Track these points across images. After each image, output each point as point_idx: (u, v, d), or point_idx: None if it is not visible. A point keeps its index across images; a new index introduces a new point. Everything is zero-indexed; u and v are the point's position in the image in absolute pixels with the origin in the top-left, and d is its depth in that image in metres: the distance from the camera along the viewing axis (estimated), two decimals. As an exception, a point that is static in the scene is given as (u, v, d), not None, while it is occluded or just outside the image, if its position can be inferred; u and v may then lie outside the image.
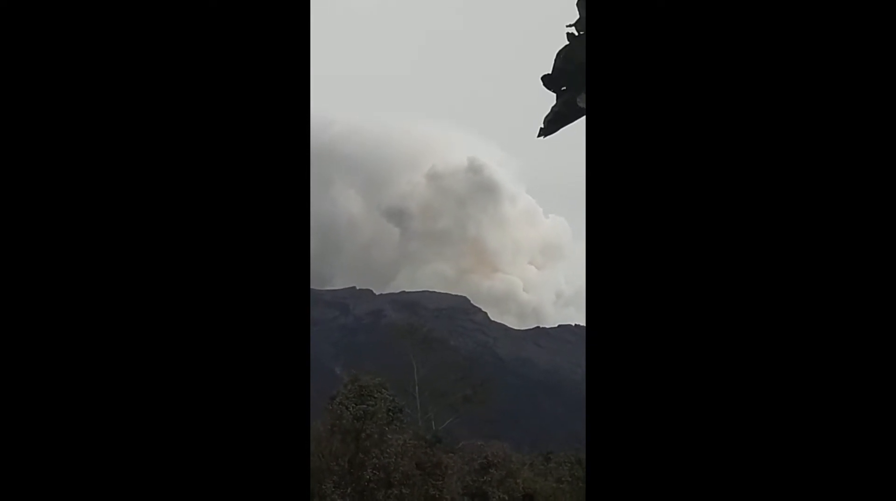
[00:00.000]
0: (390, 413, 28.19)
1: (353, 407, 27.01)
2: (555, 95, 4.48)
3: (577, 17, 4.26)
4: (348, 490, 25.63)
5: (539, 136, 4.50)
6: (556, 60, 4.38)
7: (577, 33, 4.29)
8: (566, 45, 4.31)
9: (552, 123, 4.50)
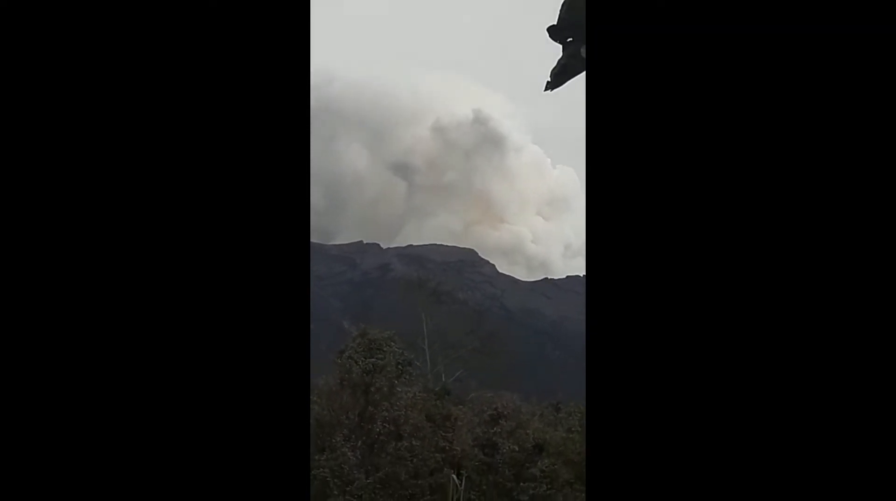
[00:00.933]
0: (399, 367, 28.29)
1: (362, 361, 27.12)
2: (560, 46, 4.40)
3: None
4: (358, 443, 25.88)
5: (546, 90, 4.42)
6: (561, 10, 4.29)
7: (584, -17, 4.20)
8: (572, -5, 4.23)
9: (559, 76, 4.42)
